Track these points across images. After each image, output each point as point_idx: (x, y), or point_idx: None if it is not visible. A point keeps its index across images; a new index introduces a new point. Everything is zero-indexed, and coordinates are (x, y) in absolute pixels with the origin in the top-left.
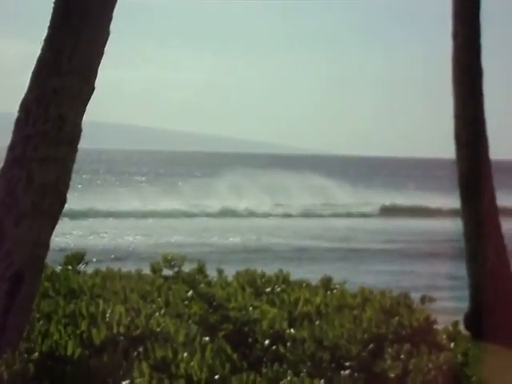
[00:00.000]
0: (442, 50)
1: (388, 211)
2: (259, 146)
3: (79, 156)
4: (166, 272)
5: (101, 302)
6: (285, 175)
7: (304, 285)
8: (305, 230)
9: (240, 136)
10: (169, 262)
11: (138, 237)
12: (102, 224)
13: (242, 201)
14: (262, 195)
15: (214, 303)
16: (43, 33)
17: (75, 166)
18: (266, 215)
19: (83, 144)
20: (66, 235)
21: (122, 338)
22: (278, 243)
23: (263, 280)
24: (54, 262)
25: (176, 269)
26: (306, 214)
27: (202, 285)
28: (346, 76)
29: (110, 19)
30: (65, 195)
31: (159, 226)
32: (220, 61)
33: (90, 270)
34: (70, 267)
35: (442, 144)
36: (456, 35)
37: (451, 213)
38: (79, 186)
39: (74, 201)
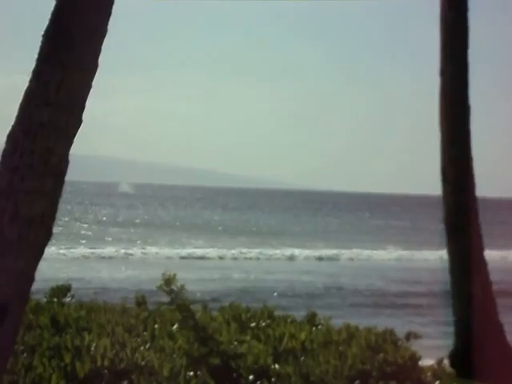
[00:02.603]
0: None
1: None
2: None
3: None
4: (160, 299)
5: (86, 334)
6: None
7: (289, 320)
8: None
9: (236, 172)
10: (169, 284)
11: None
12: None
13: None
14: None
15: (201, 335)
16: (31, 64)
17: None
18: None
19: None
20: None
21: (106, 371)
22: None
23: (248, 315)
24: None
25: (173, 295)
26: None
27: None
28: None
29: (98, 52)
30: (51, 228)
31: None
32: (216, 90)
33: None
34: (54, 299)
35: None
36: (444, 72)
37: None
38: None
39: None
